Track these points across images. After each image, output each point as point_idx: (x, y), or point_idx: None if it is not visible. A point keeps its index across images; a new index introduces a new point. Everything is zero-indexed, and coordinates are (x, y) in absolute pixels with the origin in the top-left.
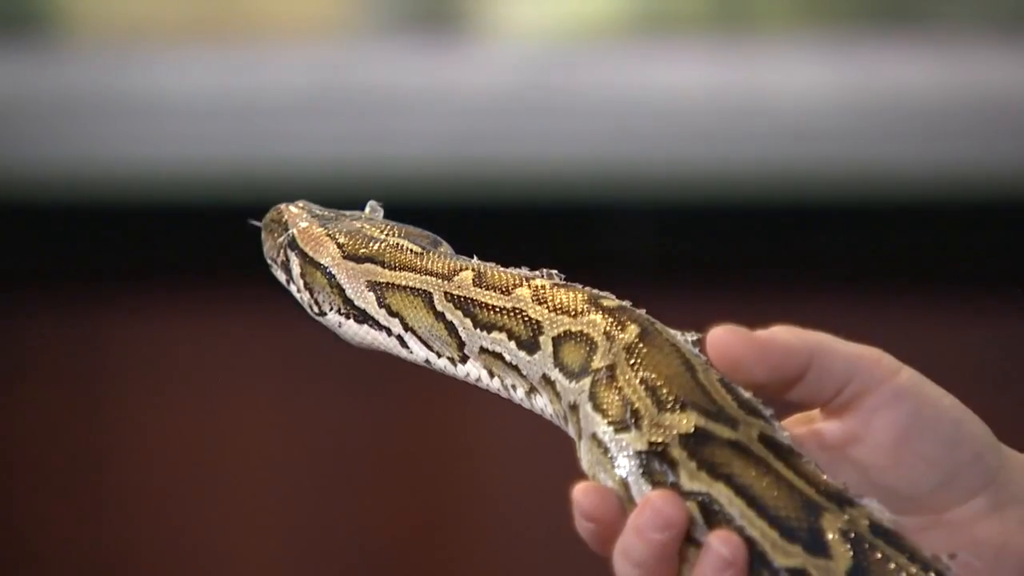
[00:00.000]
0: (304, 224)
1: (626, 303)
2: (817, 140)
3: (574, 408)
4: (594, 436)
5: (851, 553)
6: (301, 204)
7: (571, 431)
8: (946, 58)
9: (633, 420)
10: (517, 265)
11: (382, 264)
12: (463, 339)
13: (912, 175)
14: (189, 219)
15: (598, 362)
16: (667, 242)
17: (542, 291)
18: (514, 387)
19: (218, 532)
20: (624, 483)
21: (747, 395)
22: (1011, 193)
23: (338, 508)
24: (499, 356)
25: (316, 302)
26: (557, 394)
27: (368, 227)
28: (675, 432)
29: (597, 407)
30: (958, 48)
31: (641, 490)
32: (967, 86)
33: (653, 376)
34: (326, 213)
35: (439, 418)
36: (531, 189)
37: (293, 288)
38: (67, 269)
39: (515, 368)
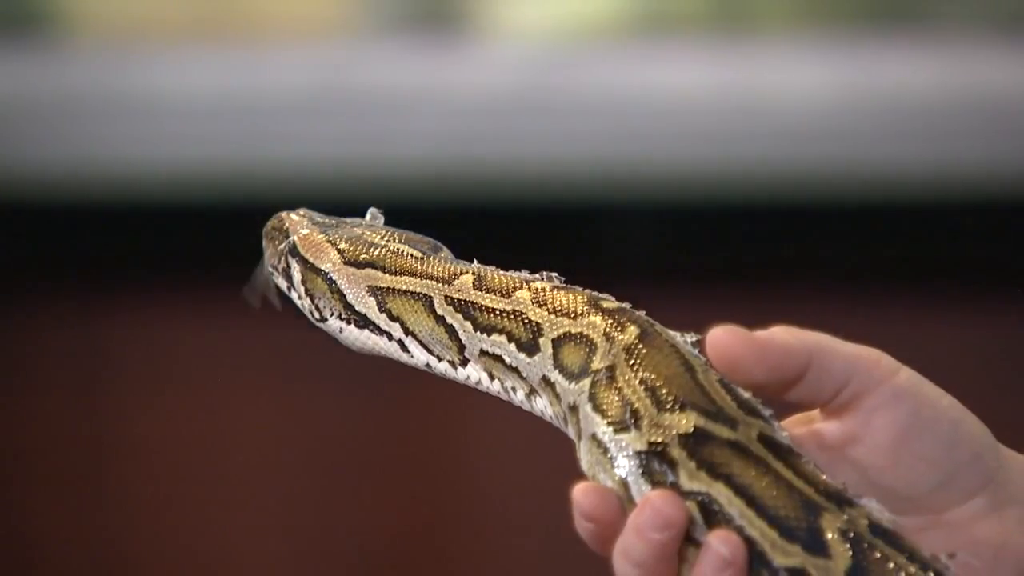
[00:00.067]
0: (305, 231)
1: (626, 305)
2: (817, 140)
3: (574, 409)
4: (594, 436)
5: (850, 553)
6: (302, 212)
7: (571, 432)
8: (946, 58)
9: (633, 420)
10: (517, 267)
11: (383, 269)
12: (463, 342)
13: (912, 175)
14: (189, 219)
15: (598, 363)
16: (667, 242)
17: (542, 294)
18: (514, 389)
19: (218, 532)
20: (624, 483)
21: (746, 395)
22: (1011, 193)
23: (338, 508)
24: (499, 358)
25: (317, 308)
26: (557, 395)
27: (369, 233)
28: (674, 432)
29: (597, 408)
30: (958, 48)
31: (641, 490)
32: (967, 86)
33: (652, 377)
34: (327, 220)
35: (439, 418)
36: (531, 189)
37: (294, 295)
38: (67, 269)
39: (515, 370)
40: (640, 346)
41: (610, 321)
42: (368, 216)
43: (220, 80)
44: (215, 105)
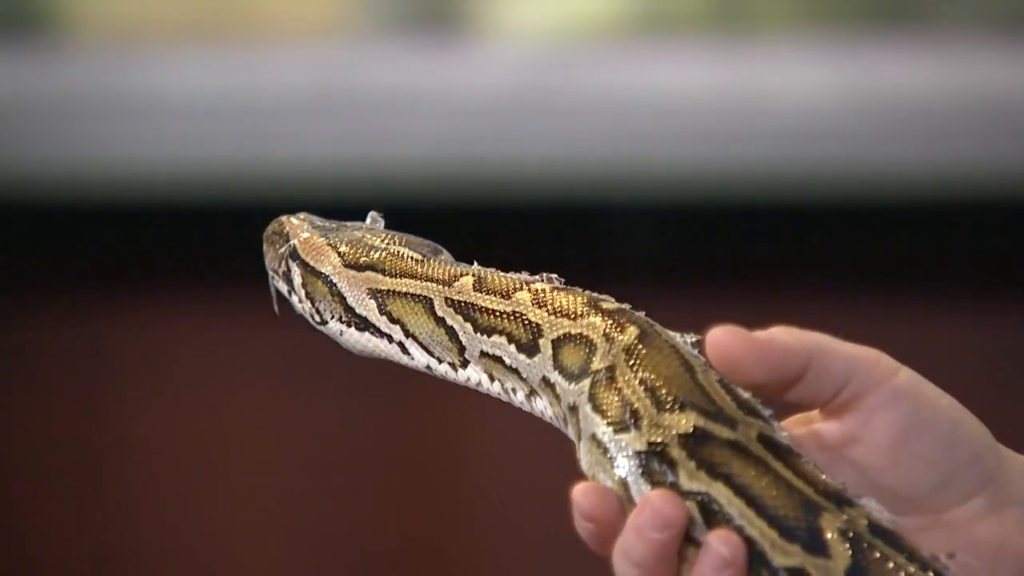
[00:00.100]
0: (305, 235)
1: (626, 306)
2: (817, 140)
3: (574, 409)
4: (594, 437)
5: (850, 552)
6: (302, 216)
7: (571, 433)
8: (946, 58)
9: (632, 420)
10: (517, 267)
11: (383, 272)
12: (464, 344)
13: (912, 175)
14: (189, 219)
15: (597, 364)
16: (667, 242)
17: (542, 295)
18: (514, 390)
19: (218, 532)
20: (624, 483)
21: (746, 395)
22: (1011, 193)
23: (338, 509)
24: (499, 360)
25: (318, 311)
26: (557, 396)
27: (369, 237)
28: (674, 432)
29: (596, 408)
30: (958, 48)
31: (640, 490)
32: (967, 86)
33: (652, 377)
34: (327, 224)
35: (439, 418)
36: (531, 189)
37: (295, 298)
38: (67, 269)
39: (515, 371)
40: (640, 346)
41: (610, 322)
42: (368, 219)
43: (220, 80)
44: (215, 105)
